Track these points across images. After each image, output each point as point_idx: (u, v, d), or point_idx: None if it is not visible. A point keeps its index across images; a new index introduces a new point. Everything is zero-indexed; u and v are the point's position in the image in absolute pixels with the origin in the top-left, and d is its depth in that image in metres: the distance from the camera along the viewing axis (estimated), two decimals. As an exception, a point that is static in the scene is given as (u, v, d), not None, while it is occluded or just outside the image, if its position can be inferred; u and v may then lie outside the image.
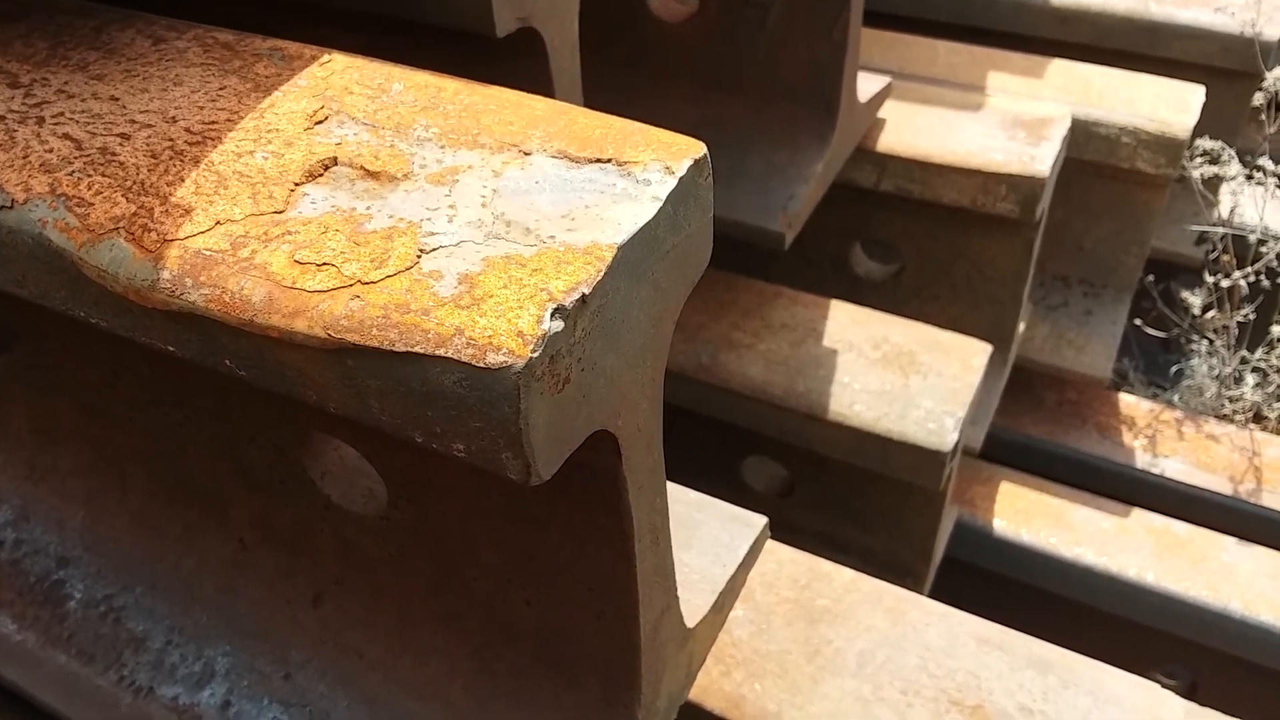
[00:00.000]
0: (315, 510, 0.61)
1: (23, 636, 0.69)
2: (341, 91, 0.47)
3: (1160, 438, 1.31)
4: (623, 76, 0.94)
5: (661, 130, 0.43)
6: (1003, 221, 1.09)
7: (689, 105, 1.02)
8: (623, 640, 0.55)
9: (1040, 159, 1.05)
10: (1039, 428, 1.33)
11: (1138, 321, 1.44)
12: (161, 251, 0.40)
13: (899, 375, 0.93)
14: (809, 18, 0.92)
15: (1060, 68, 1.27)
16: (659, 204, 0.40)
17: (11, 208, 0.43)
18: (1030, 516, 1.20)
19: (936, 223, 1.11)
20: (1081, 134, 1.20)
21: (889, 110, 1.10)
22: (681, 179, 0.41)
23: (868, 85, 1.04)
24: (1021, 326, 1.22)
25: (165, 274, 0.39)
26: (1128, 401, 1.36)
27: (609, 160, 0.42)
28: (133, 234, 0.41)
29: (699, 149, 0.42)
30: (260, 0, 0.65)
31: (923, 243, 1.14)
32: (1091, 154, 1.23)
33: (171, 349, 0.43)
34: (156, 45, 0.51)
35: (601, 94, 0.78)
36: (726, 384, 0.98)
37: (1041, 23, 1.41)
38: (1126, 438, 1.32)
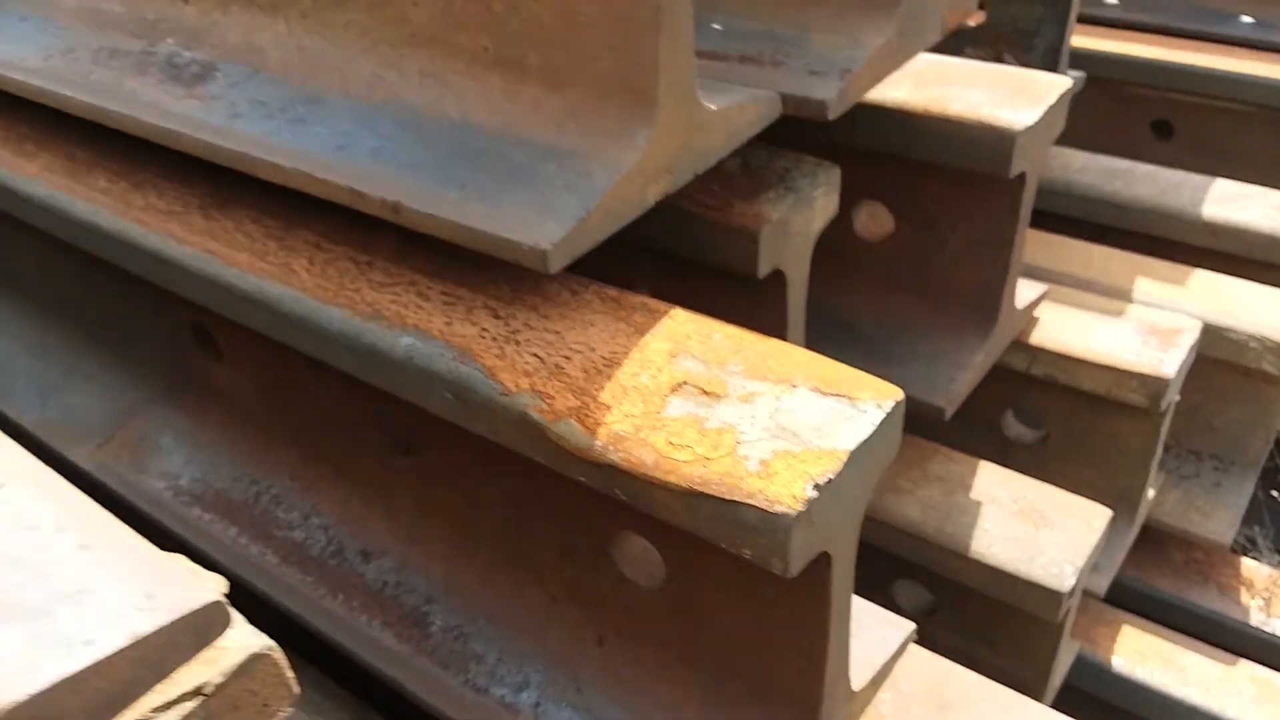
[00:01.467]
0: (610, 580, 0.98)
1: (400, 648, 1.09)
2: (684, 338, 0.86)
3: (1275, 600, 1.56)
4: (828, 278, 1.31)
5: (876, 379, 0.80)
6: (1134, 409, 1.41)
7: (877, 300, 1.40)
8: (812, 690, 0.90)
9: (1168, 363, 1.37)
10: (1164, 581, 1.60)
11: (1275, 494, 1.70)
12: (595, 430, 0.79)
13: (1031, 527, 1.26)
14: (981, 249, 1.29)
15: (1200, 277, 1.58)
16: (873, 427, 0.76)
17: (507, 395, 0.83)
18: (1145, 657, 1.47)
19: (1078, 404, 1.44)
20: (1214, 336, 1.51)
21: (1044, 310, 1.44)
22: (888, 413, 0.78)
23: (1026, 293, 1.39)
24: (1151, 493, 1.51)
25: (597, 443, 0.79)
26: (1249, 565, 1.62)
27: (843, 395, 0.79)
28: (579, 419, 0.80)
29: (898, 394, 0.79)
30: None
31: (1066, 418, 1.46)
32: (1222, 354, 1.53)
33: (583, 479, 0.81)
34: (574, 295, 0.92)
35: (813, 289, 1.15)
36: (889, 520, 1.32)
37: (1193, 232, 1.72)
38: (1244, 597, 1.58)
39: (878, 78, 1.05)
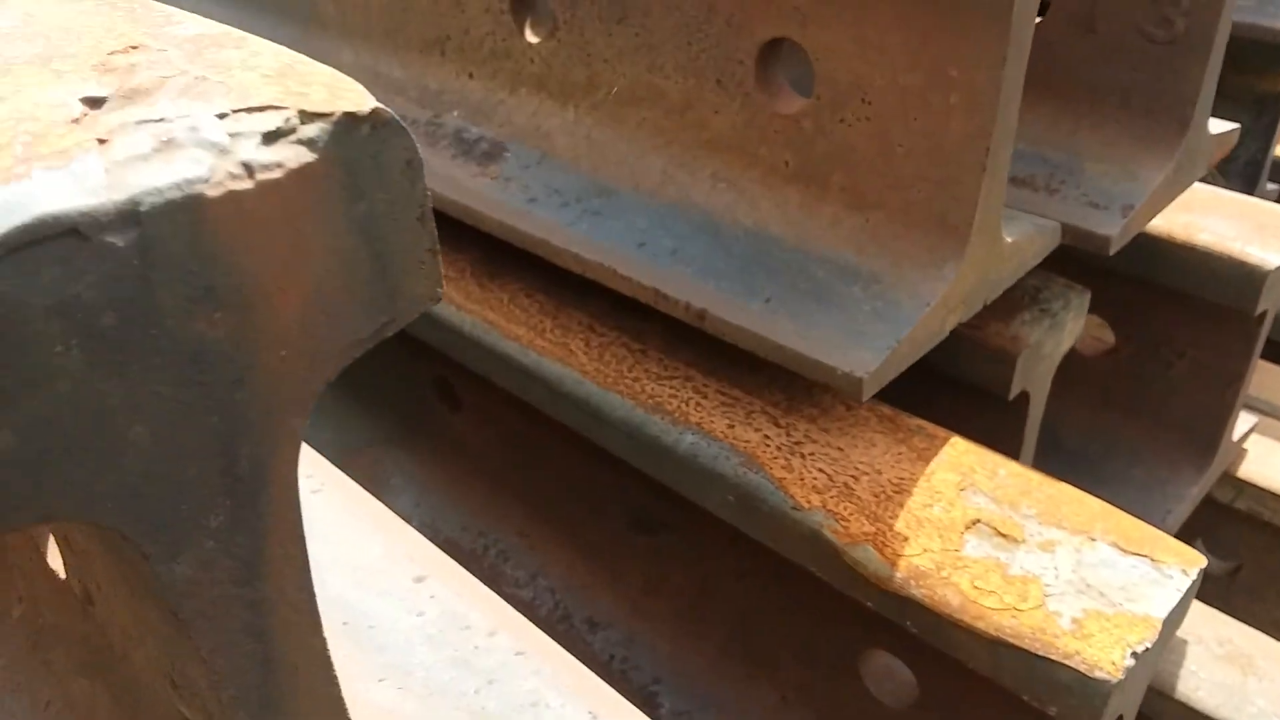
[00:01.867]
0: (851, 692, 0.95)
1: None
2: (970, 470, 0.83)
3: None
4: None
5: (1177, 541, 0.76)
6: (1339, 549, 1.33)
7: (1088, 417, 1.34)
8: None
9: (1381, 508, 1.29)
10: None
11: None
12: (895, 561, 0.76)
13: (1239, 673, 1.19)
14: (1208, 379, 1.23)
15: None
16: (1180, 594, 0.72)
17: (799, 510, 0.81)
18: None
19: (1277, 541, 1.36)
20: None
21: (1252, 442, 1.37)
22: (1192, 580, 0.73)
23: (1241, 425, 1.32)
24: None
25: (897, 575, 0.76)
26: None
27: (1145, 556, 0.75)
28: (877, 545, 0.78)
29: (1201, 560, 0.75)
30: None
31: (1261, 554, 1.39)
32: None
33: (870, 604, 0.79)
34: (850, 410, 0.90)
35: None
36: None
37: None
38: None
39: (1154, 213, 1.01)
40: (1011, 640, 0.71)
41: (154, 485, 0.28)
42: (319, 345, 0.30)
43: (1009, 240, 0.88)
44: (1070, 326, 1.06)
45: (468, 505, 1.26)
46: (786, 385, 0.93)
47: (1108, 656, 0.69)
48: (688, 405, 0.92)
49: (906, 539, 0.78)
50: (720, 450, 0.87)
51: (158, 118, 0.28)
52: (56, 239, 0.24)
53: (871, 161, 0.85)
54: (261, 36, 0.35)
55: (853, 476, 0.83)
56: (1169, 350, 1.27)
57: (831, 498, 0.81)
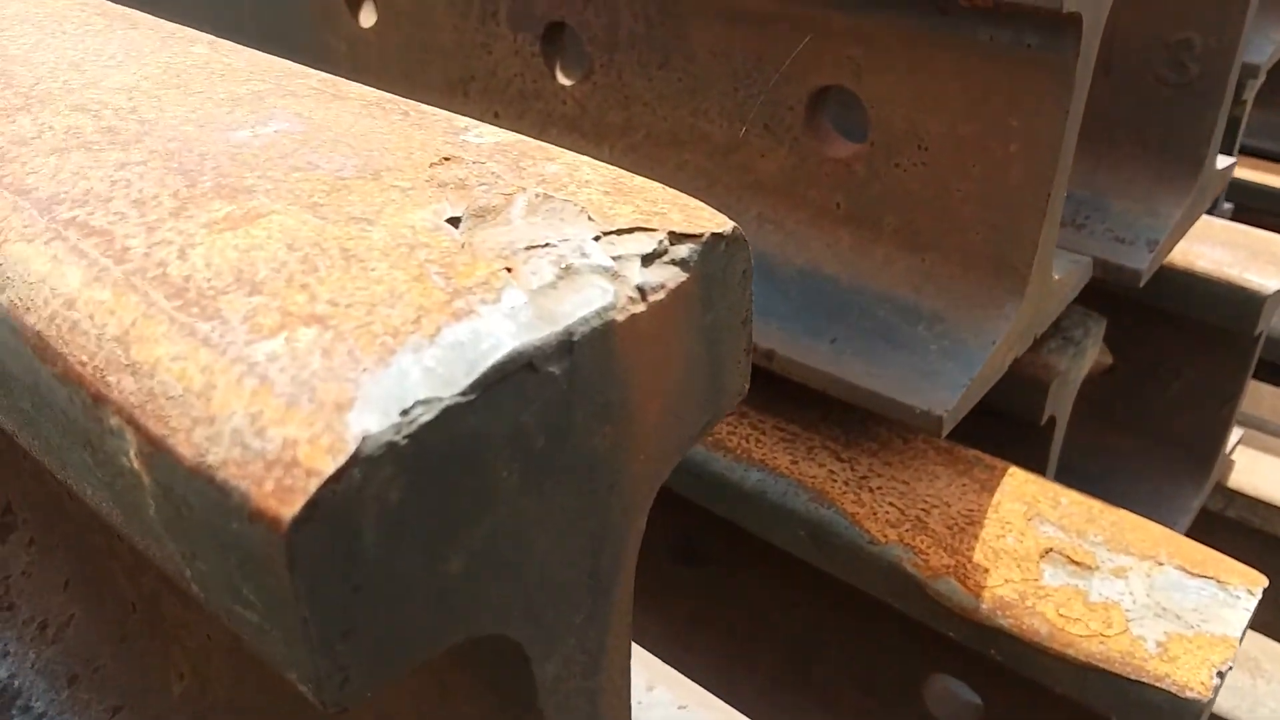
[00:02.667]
0: (915, 716, 0.99)
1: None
2: (1034, 500, 0.88)
3: None
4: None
5: (1239, 564, 0.82)
6: (1320, 551, 1.42)
7: (1088, 435, 1.41)
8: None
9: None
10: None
11: None
12: (979, 593, 0.80)
13: (1248, 676, 1.26)
14: (1205, 398, 1.30)
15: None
16: (1248, 613, 0.78)
17: (876, 544, 0.85)
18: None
19: (1270, 548, 1.45)
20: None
21: (1240, 453, 1.46)
22: (1257, 599, 0.79)
23: (1234, 438, 1.40)
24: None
25: (983, 606, 0.80)
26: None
27: (1211, 578, 0.80)
28: (958, 577, 0.81)
29: (1263, 580, 0.80)
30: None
31: (1252, 560, 1.47)
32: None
33: (951, 634, 0.83)
34: (906, 443, 0.94)
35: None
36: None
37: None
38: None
39: (1174, 245, 1.08)
40: (1102, 665, 0.75)
41: (544, 592, 0.30)
42: (667, 446, 0.32)
43: (1056, 277, 0.92)
44: (1090, 353, 1.12)
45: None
46: (841, 420, 0.97)
47: (1196, 677, 0.73)
48: (748, 442, 0.95)
49: (987, 570, 0.82)
50: (788, 486, 0.90)
51: (543, 243, 0.29)
52: (517, 373, 0.26)
53: (927, 205, 0.89)
54: None
55: (923, 510, 0.87)
56: (1166, 370, 1.35)
57: (907, 531, 0.85)
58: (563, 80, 1.09)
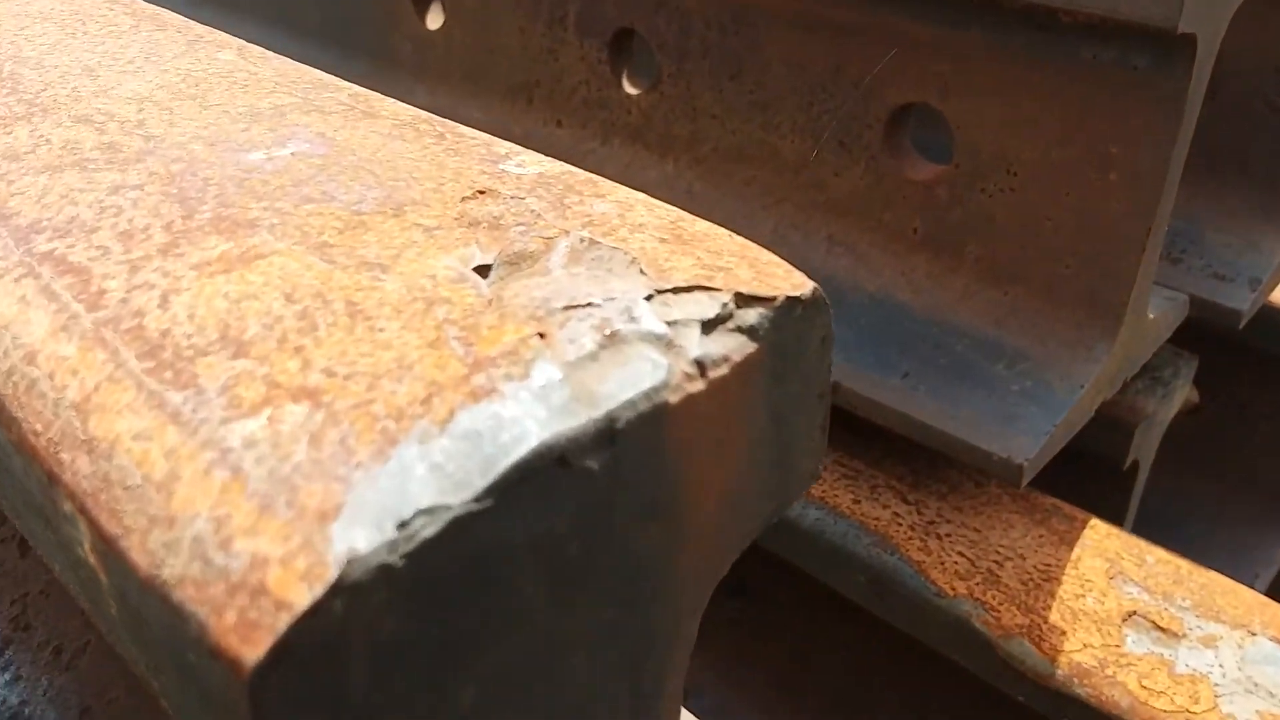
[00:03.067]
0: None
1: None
2: (1116, 556, 0.81)
3: None
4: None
5: None
6: None
7: (1167, 476, 1.33)
8: None
9: None
10: None
11: None
12: (1054, 656, 0.74)
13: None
14: (1295, 441, 1.21)
15: None
16: None
17: (943, 597, 0.78)
18: None
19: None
20: None
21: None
22: None
23: (1323, 485, 1.31)
24: None
25: (1059, 672, 0.73)
26: None
27: None
28: (1032, 639, 0.75)
29: None
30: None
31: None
32: None
33: (1021, 699, 0.76)
34: (979, 486, 0.87)
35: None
36: None
37: None
38: None
39: (1275, 286, 0.99)
40: (1190, 747, 0.69)
41: (577, 714, 0.25)
42: (724, 544, 0.27)
43: (1151, 316, 0.85)
44: (1179, 395, 1.05)
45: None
46: (908, 458, 0.91)
47: (1296, 767, 0.66)
48: (807, 478, 0.89)
49: (1064, 632, 0.75)
50: (848, 528, 0.84)
51: (584, 301, 0.25)
52: (547, 470, 0.21)
53: (1014, 234, 0.82)
54: (326, 71, 0.32)
55: (996, 561, 0.81)
56: (1255, 412, 1.26)
57: (977, 584, 0.79)
58: (629, 89, 1.04)
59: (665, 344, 0.24)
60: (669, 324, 0.25)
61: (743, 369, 0.25)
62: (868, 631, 0.93)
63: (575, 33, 1.04)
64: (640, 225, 0.28)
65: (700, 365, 0.24)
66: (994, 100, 0.78)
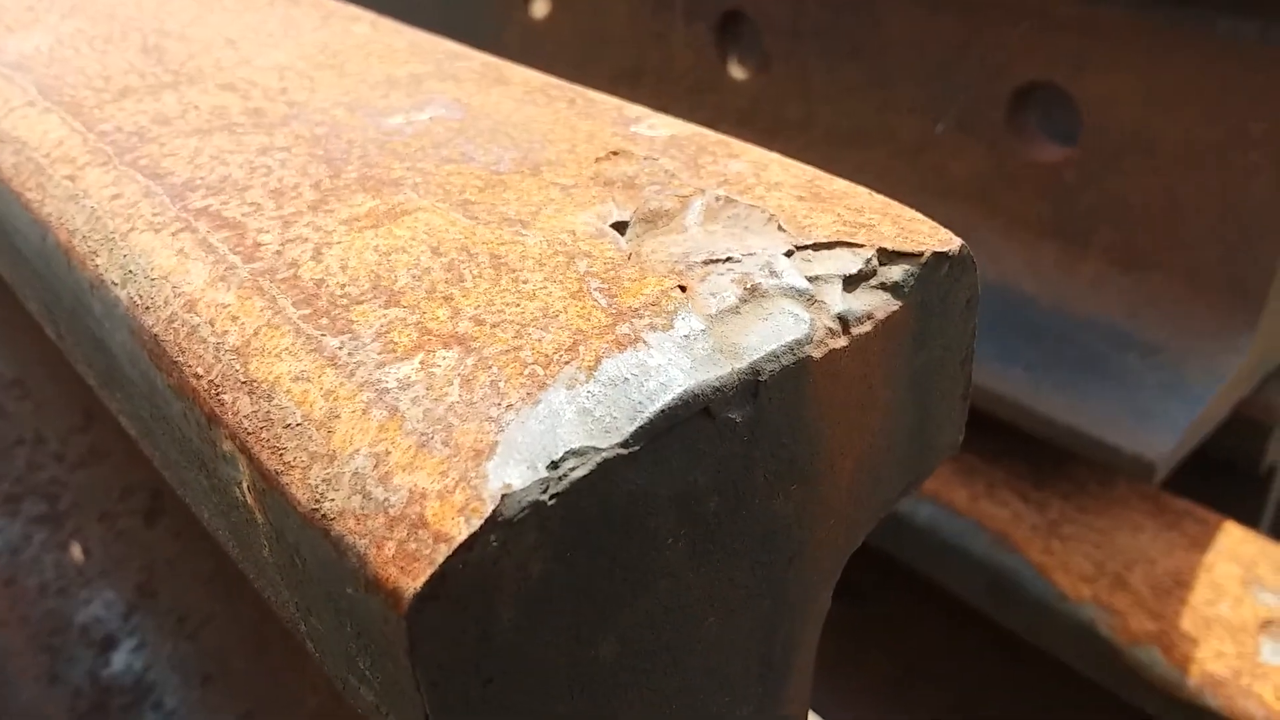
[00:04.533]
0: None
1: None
2: (1252, 562, 0.78)
3: None
4: None
5: None
6: None
7: None
8: None
9: None
10: None
11: None
12: (1185, 665, 0.71)
13: None
14: None
15: None
16: None
17: (1067, 601, 0.76)
18: None
19: None
20: None
21: None
22: None
23: None
24: None
25: (1190, 682, 0.71)
26: None
27: None
28: (1162, 647, 0.73)
29: None
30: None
31: None
32: None
33: (1149, 710, 0.74)
34: (1104, 486, 0.85)
35: None
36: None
37: None
38: None
39: None
40: (1338, 767, 0.66)
41: (709, 682, 0.25)
42: (861, 512, 0.27)
43: (1296, 308, 0.82)
44: (1324, 394, 1.00)
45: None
46: (1029, 454, 0.89)
47: None
48: (921, 473, 0.88)
49: (1196, 641, 0.73)
50: (965, 526, 0.83)
51: (723, 256, 0.25)
52: (692, 420, 0.22)
53: (1150, 218, 0.80)
54: None
55: (1124, 565, 0.78)
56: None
57: (1103, 588, 0.77)
58: (736, 74, 1.04)
59: (807, 299, 0.24)
60: (811, 279, 0.25)
61: (886, 327, 0.25)
62: (983, 636, 0.91)
63: (683, 17, 1.04)
64: (776, 184, 0.28)
65: (843, 321, 0.24)
66: (1130, 78, 0.76)
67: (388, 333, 0.23)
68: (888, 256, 0.25)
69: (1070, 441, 0.78)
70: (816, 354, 0.24)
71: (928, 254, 0.25)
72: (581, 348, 0.22)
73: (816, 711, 1.06)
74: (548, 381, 0.21)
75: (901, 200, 0.92)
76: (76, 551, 0.66)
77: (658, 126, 0.31)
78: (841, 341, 0.24)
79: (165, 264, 0.26)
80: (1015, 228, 0.88)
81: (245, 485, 0.22)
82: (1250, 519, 1.05)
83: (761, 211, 0.27)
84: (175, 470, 0.27)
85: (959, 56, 0.86)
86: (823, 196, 0.27)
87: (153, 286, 0.26)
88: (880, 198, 0.28)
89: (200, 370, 0.23)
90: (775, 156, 0.30)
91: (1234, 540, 0.80)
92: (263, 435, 0.22)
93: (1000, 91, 0.84)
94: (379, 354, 0.22)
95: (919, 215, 0.27)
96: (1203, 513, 0.83)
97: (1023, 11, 0.79)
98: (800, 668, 0.28)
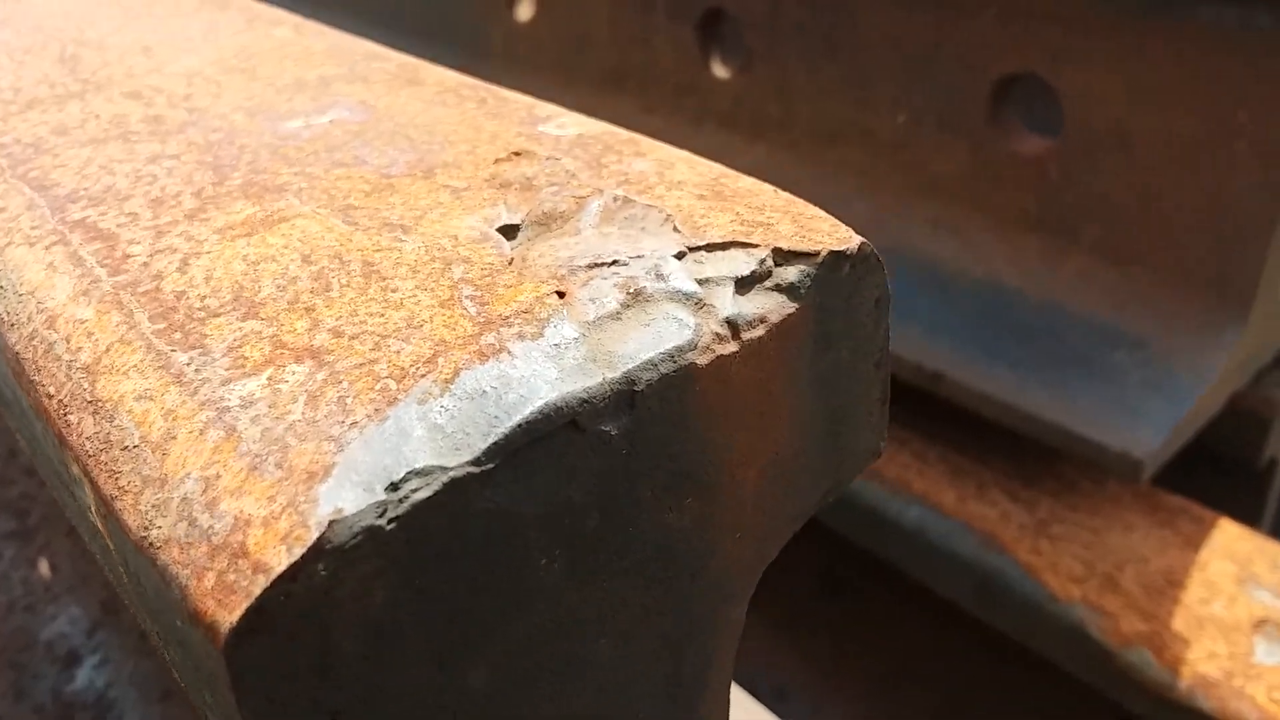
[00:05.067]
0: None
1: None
2: (1247, 560, 0.75)
3: None
4: None
5: None
6: None
7: None
8: None
9: None
10: None
11: None
12: (1177, 667, 0.69)
13: None
14: None
15: None
16: None
17: (1056, 602, 0.74)
18: None
19: None
20: None
21: None
22: None
23: None
24: None
25: (1181, 683, 0.68)
26: None
27: None
28: (1154, 648, 0.70)
29: None
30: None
31: None
32: None
33: (1140, 713, 0.71)
34: (1097, 484, 0.82)
35: None
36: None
37: None
38: None
39: None
40: (1334, 771, 0.63)
41: (609, 704, 0.23)
42: (769, 523, 0.25)
43: (1286, 299, 0.79)
44: (1324, 386, 0.97)
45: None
46: (1018, 452, 0.87)
47: None
48: (908, 472, 0.86)
49: (1187, 642, 0.70)
50: (953, 527, 0.81)
51: (609, 259, 0.23)
52: (557, 434, 0.20)
53: (1134, 212, 0.77)
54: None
55: (1115, 565, 0.76)
56: None
57: (1094, 589, 0.74)
58: (719, 73, 1.03)
59: (695, 303, 0.23)
60: (701, 282, 0.23)
61: (783, 330, 0.23)
62: (972, 637, 0.89)
63: (665, 16, 1.03)
64: (679, 183, 0.27)
65: (733, 325, 0.23)
66: (1109, 69, 0.73)
67: (240, 347, 0.21)
68: (783, 256, 0.24)
69: (1057, 440, 0.76)
70: (702, 361, 0.22)
71: (824, 253, 0.24)
72: (441, 360, 0.20)
73: (812, 705, 1.04)
74: (399, 397, 0.20)
75: (882, 198, 0.90)
76: (44, 568, 0.65)
77: (568, 126, 0.30)
78: (731, 347, 0.23)
79: (33, 279, 0.25)
80: (1000, 223, 0.86)
81: (94, 509, 0.21)
82: (1251, 514, 1.02)
83: (659, 212, 0.25)
84: (57, 491, 0.26)
85: (936, 52, 0.84)
86: (725, 195, 0.26)
87: (19, 302, 0.25)
88: (785, 195, 0.26)
89: (52, 389, 0.22)
90: (684, 154, 0.29)
91: (1229, 537, 0.78)
92: (102, 458, 0.20)
93: (980, 86, 0.82)
94: (226, 370, 0.21)
95: (821, 213, 0.25)
96: (1197, 510, 0.81)
97: (995, 3, 0.77)
98: (715, 684, 0.26)
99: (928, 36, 0.83)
